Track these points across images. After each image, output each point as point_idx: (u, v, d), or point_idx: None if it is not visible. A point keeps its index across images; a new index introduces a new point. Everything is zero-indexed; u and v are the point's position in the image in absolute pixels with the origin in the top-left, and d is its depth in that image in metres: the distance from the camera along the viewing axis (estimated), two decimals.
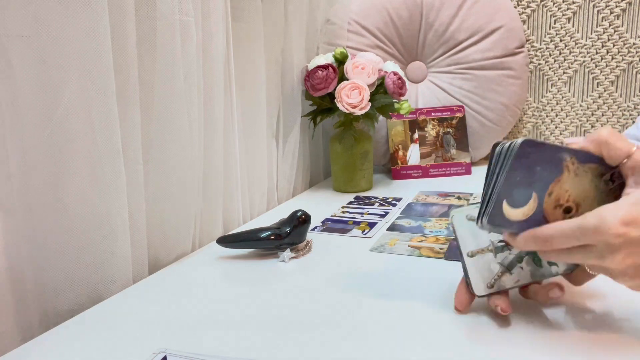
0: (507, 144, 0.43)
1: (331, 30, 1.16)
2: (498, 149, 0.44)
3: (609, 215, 0.39)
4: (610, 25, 1.19)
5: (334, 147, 1.06)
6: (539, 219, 0.43)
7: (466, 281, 0.50)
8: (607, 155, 0.43)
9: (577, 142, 0.44)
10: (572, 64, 1.24)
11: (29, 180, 0.54)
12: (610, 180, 0.44)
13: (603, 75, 1.22)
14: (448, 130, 1.19)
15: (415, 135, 1.19)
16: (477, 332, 0.48)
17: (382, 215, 0.88)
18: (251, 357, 0.45)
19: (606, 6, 1.18)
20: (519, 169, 0.42)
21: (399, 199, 0.98)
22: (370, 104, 0.97)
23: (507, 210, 0.43)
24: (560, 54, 1.25)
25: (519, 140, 0.42)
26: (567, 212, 0.44)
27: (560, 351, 0.44)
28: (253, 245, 0.70)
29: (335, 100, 0.97)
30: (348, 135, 1.03)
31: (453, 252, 0.69)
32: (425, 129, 1.19)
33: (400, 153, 1.18)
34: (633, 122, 1.21)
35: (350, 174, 1.05)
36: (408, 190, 1.05)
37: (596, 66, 1.22)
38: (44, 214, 0.55)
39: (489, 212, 0.43)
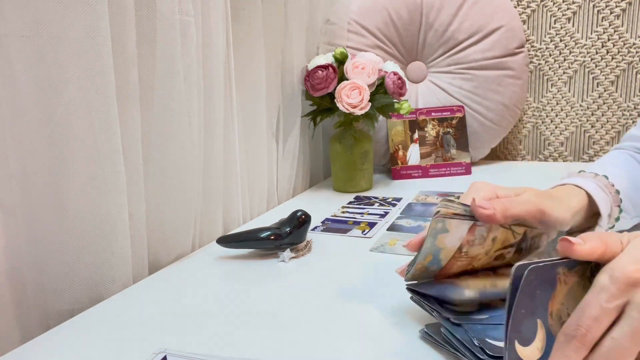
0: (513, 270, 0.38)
1: (331, 30, 1.16)
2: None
3: (615, 263, 0.36)
4: (610, 25, 1.19)
5: (334, 147, 1.06)
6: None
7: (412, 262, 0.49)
8: (611, 255, 0.39)
9: (583, 242, 0.39)
10: (572, 64, 1.24)
11: (29, 180, 0.54)
12: (592, 277, 0.40)
13: (603, 75, 1.22)
14: (448, 130, 1.20)
15: (415, 135, 1.19)
16: None
17: (382, 215, 0.88)
18: (251, 357, 0.45)
19: (606, 6, 1.18)
20: (523, 299, 0.38)
21: (399, 199, 0.98)
22: (370, 104, 0.97)
23: (521, 351, 0.38)
24: (560, 54, 1.25)
25: (522, 269, 0.38)
26: None
27: None
28: (253, 245, 0.70)
29: (335, 100, 0.97)
30: (348, 135, 1.03)
31: None
32: (425, 129, 1.19)
33: (400, 153, 1.18)
34: (633, 122, 1.21)
35: (350, 174, 1.05)
36: (408, 190, 1.05)
37: (596, 66, 1.22)
38: (44, 214, 0.55)
39: None
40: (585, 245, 0.39)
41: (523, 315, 0.38)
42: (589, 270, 0.40)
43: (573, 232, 0.49)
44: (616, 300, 0.35)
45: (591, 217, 0.58)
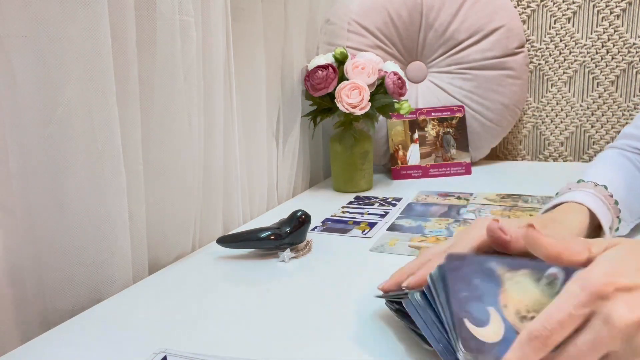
0: (434, 271, 0.42)
1: (331, 30, 1.16)
2: (428, 279, 0.42)
3: (588, 273, 0.36)
4: (610, 25, 1.19)
5: (334, 147, 1.06)
6: (515, 337, 0.38)
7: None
8: (571, 259, 0.39)
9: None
10: (572, 64, 1.24)
11: (29, 181, 0.54)
12: (553, 281, 0.40)
13: (603, 75, 1.22)
14: (448, 130, 1.20)
15: (415, 135, 1.19)
16: None
17: (382, 215, 0.88)
18: (251, 357, 0.45)
19: (606, 6, 1.18)
20: (457, 282, 0.40)
21: (399, 199, 0.98)
22: (370, 104, 0.97)
23: (475, 330, 0.39)
24: (560, 54, 1.25)
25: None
26: None
27: None
28: (253, 245, 0.70)
29: (335, 100, 0.97)
30: (348, 135, 1.03)
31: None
32: (425, 129, 1.19)
33: (400, 153, 1.18)
34: None
35: (350, 174, 1.05)
36: (408, 190, 1.05)
37: (596, 66, 1.22)
38: (44, 214, 0.55)
39: (460, 336, 0.39)
40: (548, 239, 0.40)
41: (467, 297, 0.40)
42: (546, 278, 0.40)
43: None
44: (584, 309, 0.35)
45: (592, 231, 0.58)
